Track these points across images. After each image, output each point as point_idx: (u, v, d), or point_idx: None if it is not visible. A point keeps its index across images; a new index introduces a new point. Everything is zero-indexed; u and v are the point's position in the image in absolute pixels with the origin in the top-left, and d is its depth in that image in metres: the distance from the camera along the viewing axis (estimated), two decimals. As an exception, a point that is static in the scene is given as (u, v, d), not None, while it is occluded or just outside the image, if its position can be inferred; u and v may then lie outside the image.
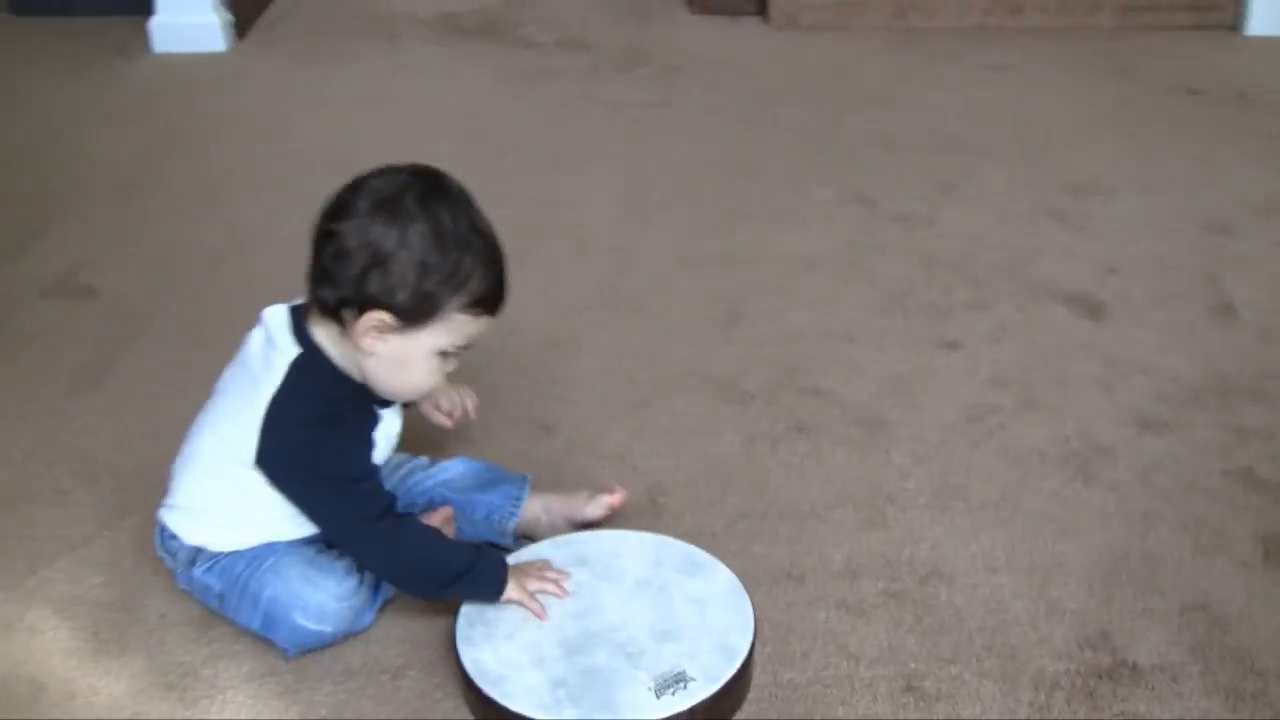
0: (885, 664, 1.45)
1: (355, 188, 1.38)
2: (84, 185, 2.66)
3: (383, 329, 1.37)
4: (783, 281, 2.24)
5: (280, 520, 1.46)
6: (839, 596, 1.54)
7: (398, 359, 1.40)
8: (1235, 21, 3.39)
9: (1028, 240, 2.36)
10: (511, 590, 1.44)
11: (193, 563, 1.50)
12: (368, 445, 1.46)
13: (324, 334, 1.42)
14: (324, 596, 1.45)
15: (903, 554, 1.61)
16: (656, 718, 1.31)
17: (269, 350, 1.43)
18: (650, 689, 1.34)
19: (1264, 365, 1.98)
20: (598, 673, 1.36)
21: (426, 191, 1.37)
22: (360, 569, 1.48)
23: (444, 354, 1.41)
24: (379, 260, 1.34)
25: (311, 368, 1.41)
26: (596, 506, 1.63)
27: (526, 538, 1.61)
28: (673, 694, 1.33)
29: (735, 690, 1.37)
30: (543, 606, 1.45)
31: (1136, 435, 1.82)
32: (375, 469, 1.47)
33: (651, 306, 2.18)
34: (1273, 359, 2.00)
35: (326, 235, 1.37)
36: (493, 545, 1.59)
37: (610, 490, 1.65)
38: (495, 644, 1.40)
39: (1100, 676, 1.42)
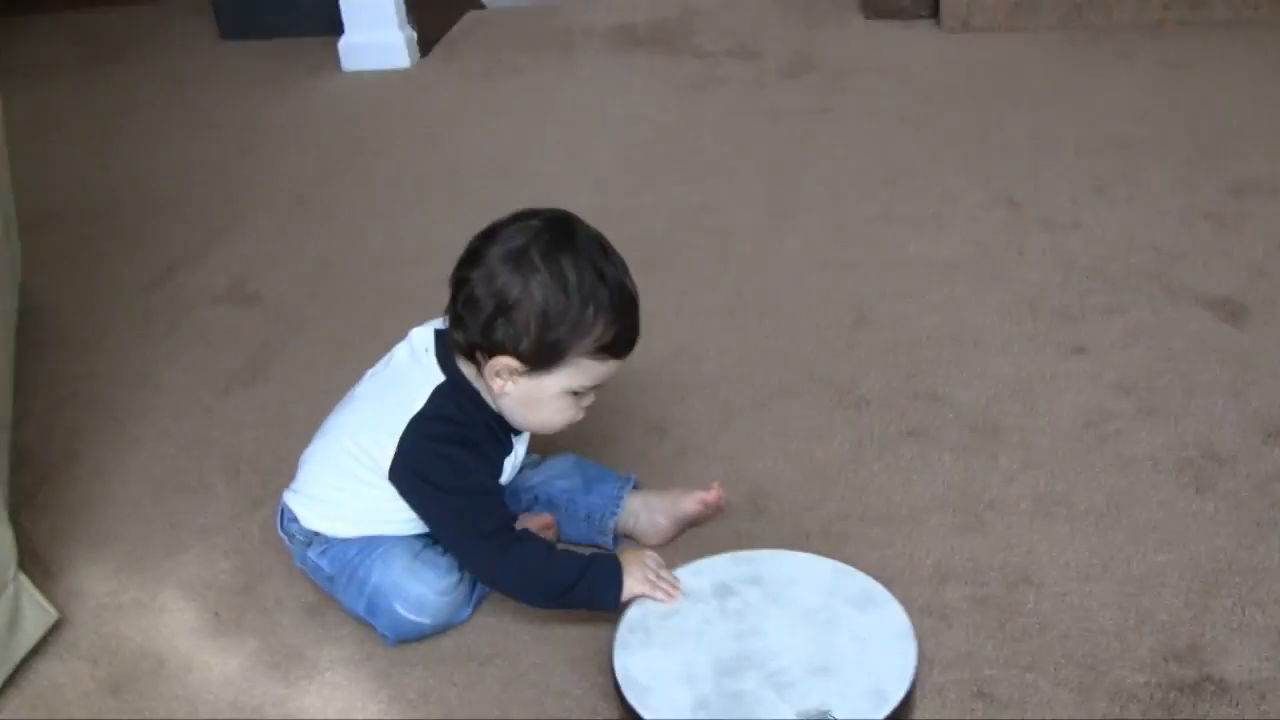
0: (959, 669, 1.43)
1: (488, 236, 1.46)
2: (264, 196, 2.83)
3: (510, 373, 1.45)
4: (916, 285, 2.23)
5: (399, 524, 1.55)
6: (923, 600, 1.53)
7: (528, 399, 1.48)
8: None
9: (1176, 242, 2.28)
10: (632, 585, 1.48)
11: (308, 544, 1.59)
12: (496, 466, 1.54)
13: (464, 365, 1.51)
14: (425, 589, 1.52)
15: (995, 559, 1.59)
16: None
17: (414, 369, 1.52)
18: None
19: None
20: (743, 698, 1.34)
21: (553, 241, 1.43)
22: (462, 570, 1.54)
23: (576, 393, 1.48)
24: (504, 309, 1.42)
25: (454, 394, 1.49)
26: (693, 502, 1.66)
27: (626, 536, 1.66)
28: None
29: None
30: (669, 591, 1.48)
31: (1261, 444, 1.74)
32: (498, 485, 1.54)
33: (782, 310, 2.19)
34: None
35: (460, 282, 1.46)
36: (594, 545, 1.64)
37: (709, 488, 1.67)
38: (650, 653, 1.41)
39: (1182, 691, 1.38)
